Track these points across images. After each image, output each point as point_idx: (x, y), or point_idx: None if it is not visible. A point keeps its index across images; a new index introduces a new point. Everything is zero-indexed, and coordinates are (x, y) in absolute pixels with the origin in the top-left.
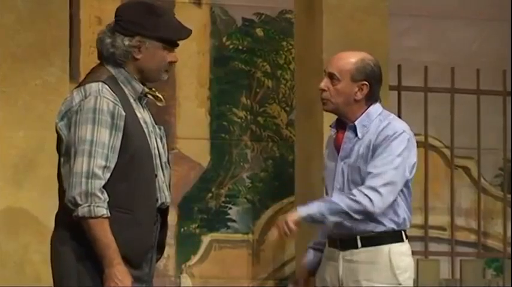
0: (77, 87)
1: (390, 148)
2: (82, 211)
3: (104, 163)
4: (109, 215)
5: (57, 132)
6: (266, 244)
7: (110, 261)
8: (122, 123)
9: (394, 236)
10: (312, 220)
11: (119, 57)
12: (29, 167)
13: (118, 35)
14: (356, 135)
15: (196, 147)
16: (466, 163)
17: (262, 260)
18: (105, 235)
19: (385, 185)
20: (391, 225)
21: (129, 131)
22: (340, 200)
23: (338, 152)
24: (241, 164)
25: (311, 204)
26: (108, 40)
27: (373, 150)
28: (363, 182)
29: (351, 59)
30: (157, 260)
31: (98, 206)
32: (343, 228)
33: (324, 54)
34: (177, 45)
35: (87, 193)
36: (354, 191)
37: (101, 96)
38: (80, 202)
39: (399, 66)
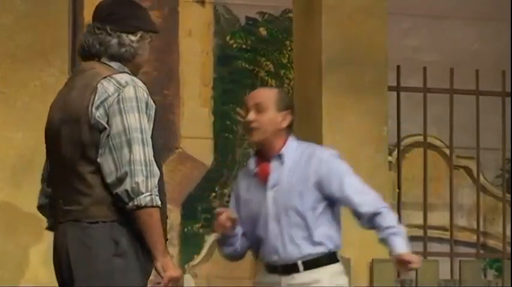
0: (103, 78)
1: (343, 169)
2: (144, 200)
3: (152, 152)
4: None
5: (89, 122)
6: None
7: (163, 251)
8: (153, 114)
9: (331, 258)
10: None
11: (129, 55)
12: (27, 168)
13: (120, 33)
14: (282, 163)
15: (199, 146)
16: (467, 163)
17: None
18: (160, 225)
19: None
20: (330, 246)
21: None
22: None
23: (264, 182)
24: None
25: (405, 241)
26: (114, 40)
27: (320, 175)
28: (301, 206)
29: (272, 90)
30: None
31: (157, 195)
32: (285, 254)
33: (323, 55)
34: None
35: (148, 181)
36: (385, 210)
37: (137, 85)
38: (142, 190)
39: (398, 66)
